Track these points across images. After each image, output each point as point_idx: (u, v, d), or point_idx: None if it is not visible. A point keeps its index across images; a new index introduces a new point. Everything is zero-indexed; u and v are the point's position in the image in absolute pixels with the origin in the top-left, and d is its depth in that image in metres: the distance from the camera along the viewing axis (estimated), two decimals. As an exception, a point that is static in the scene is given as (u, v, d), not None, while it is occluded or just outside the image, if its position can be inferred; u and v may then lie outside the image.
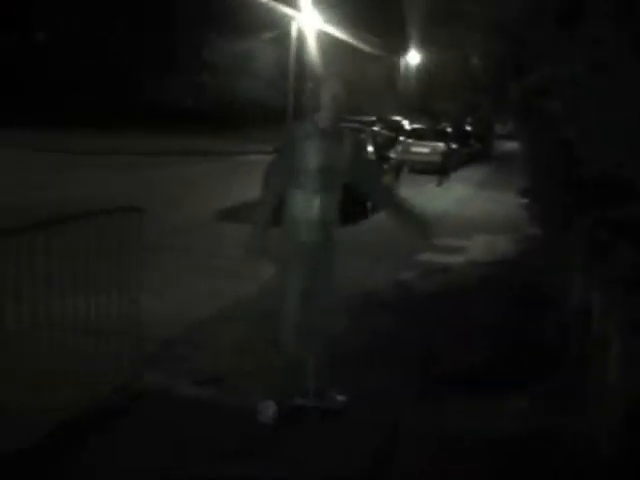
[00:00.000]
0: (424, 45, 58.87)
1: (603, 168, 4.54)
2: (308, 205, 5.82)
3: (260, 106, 48.44)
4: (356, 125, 25.92)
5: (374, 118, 42.25)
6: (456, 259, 12.67)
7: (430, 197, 23.02)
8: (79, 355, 5.55)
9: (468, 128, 45.48)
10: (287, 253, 5.90)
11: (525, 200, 10.24)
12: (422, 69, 62.18)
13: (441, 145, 32.68)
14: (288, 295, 5.86)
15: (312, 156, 5.79)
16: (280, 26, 43.90)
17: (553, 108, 5.31)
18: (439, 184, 26.79)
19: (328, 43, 48.43)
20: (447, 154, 31.68)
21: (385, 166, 19.85)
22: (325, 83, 5.95)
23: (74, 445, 5.15)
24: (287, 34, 42.64)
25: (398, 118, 48.90)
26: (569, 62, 4.66)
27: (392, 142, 26.61)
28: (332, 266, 6.04)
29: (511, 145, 49.01)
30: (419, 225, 6.31)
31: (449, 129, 37.34)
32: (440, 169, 28.44)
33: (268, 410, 5.80)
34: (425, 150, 32.57)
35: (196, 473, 4.95)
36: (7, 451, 4.76)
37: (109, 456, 5.08)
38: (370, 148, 19.27)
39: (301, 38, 44.57)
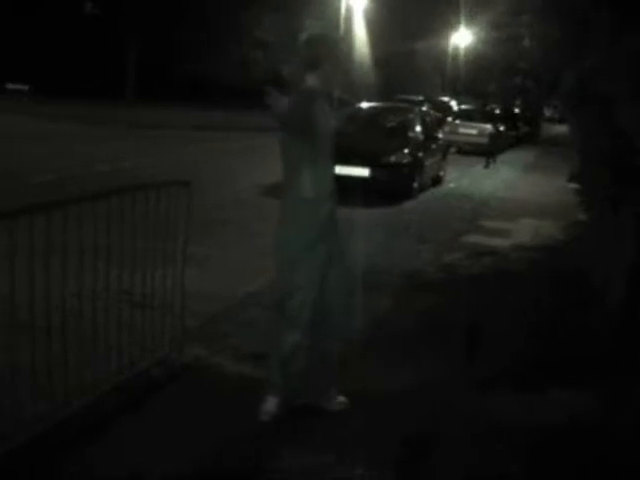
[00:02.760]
0: (474, 25, 58.37)
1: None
2: (321, 179, 5.22)
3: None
4: (405, 105, 25.93)
5: (422, 98, 42.13)
6: (502, 242, 12.54)
7: (477, 179, 22.89)
8: (122, 327, 5.55)
9: (516, 110, 45.11)
10: (297, 241, 5.21)
11: (574, 185, 10.10)
12: (471, 49, 61.66)
13: (489, 127, 32.39)
14: (302, 289, 5.21)
15: (320, 122, 5.17)
16: (329, 3, 43.70)
17: (609, 93, 5.20)
18: (486, 166, 26.58)
19: (376, 21, 48.21)
20: (495, 136, 31.38)
21: (433, 146, 19.72)
22: (329, 43, 5.44)
23: (108, 418, 5.15)
24: (336, 11, 42.46)
25: (446, 99, 48.71)
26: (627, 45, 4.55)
27: (440, 123, 26.45)
28: (344, 248, 5.53)
29: (559, 129, 48.52)
30: None
31: (497, 111, 37.01)
32: (487, 151, 28.17)
33: (268, 404, 5.38)
34: (473, 131, 32.36)
35: (216, 458, 4.86)
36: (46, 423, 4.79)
37: (138, 432, 5.05)
38: (418, 128, 19.16)
39: (350, 16, 44.40)
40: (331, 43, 5.41)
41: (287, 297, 5.26)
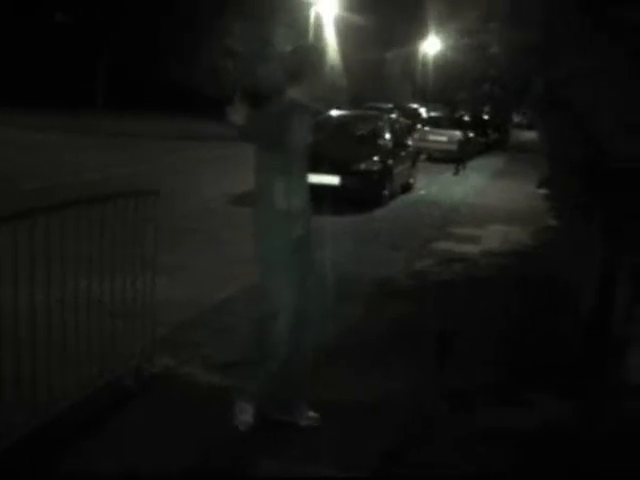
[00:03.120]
0: (442, 32, 58.63)
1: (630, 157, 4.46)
2: (295, 192, 5.14)
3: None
4: (374, 112, 26.02)
5: (392, 105, 42.25)
6: (472, 249, 12.57)
7: (446, 186, 22.96)
8: (91, 336, 5.50)
9: (485, 117, 45.28)
10: (275, 254, 5.16)
11: (543, 191, 10.15)
12: (440, 56, 61.92)
13: (458, 134, 32.57)
14: (280, 307, 5.14)
15: (295, 136, 5.10)
16: (299, 11, 43.75)
17: (579, 100, 5.22)
18: (456, 173, 26.67)
19: (346, 28, 48.31)
20: (464, 143, 31.55)
21: (402, 153, 19.77)
22: (309, 52, 5.41)
23: (78, 429, 5.10)
24: (306, 19, 42.52)
25: (415, 106, 48.82)
26: (598, 50, 4.58)
27: (409, 130, 26.54)
28: (315, 256, 5.52)
29: (528, 135, 48.77)
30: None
31: (466, 118, 37.15)
32: (457, 158, 28.29)
33: (245, 414, 5.33)
34: (442, 138, 32.49)
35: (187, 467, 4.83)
36: (15, 434, 4.72)
37: (105, 444, 5.02)
38: (388, 135, 19.21)
39: (319, 23, 44.46)
40: (318, 56, 5.36)
41: (270, 317, 5.17)
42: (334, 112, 20.92)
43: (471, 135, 34.69)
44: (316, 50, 5.46)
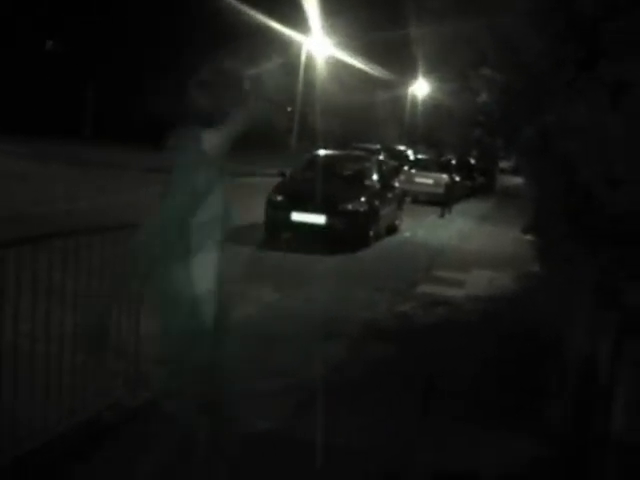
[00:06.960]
0: (432, 75, 59.03)
1: (625, 209, 4.47)
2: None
3: (267, 129, 48.61)
4: (362, 153, 26.16)
5: (379, 146, 42.45)
6: (456, 292, 12.58)
7: (432, 229, 23.02)
8: (75, 368, 5.46)
9: (472, 161, 45.51)
10: None
11: (528, 237, 10.17)
12: (429, 99, 62.31)
13: (445, 177, 32.76)
14: None
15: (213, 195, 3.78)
16: (290, 50, 44.00)
17: (570, 149, 5.25)
18: (441, 216, 26.76)
19: (336, 69, 48.61)
20: (450, 186, 31.71)
21: (389, 195, 19.83)
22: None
23: (57, 462, 5.07)
24: (297, 58, 42.76)
25: (402, 148, 49.04)
26: (590, 102, 4.62)
27: (396, 172, 26.66)
28: None
29: (513, 180, 48.99)
30: None
31: (453, 161, 37.35)
32: (443, 201, 28.42)
33: None
34: (429, 181, 32.65)
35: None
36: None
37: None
38: (375, 177, 19.28)
39: (310, 63, 44.71)
40: (242, 83, 4.01)
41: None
42: (321, 152, 21.01)
43: (457, 179, 34.86)
44: (239, 77, 4.08)
